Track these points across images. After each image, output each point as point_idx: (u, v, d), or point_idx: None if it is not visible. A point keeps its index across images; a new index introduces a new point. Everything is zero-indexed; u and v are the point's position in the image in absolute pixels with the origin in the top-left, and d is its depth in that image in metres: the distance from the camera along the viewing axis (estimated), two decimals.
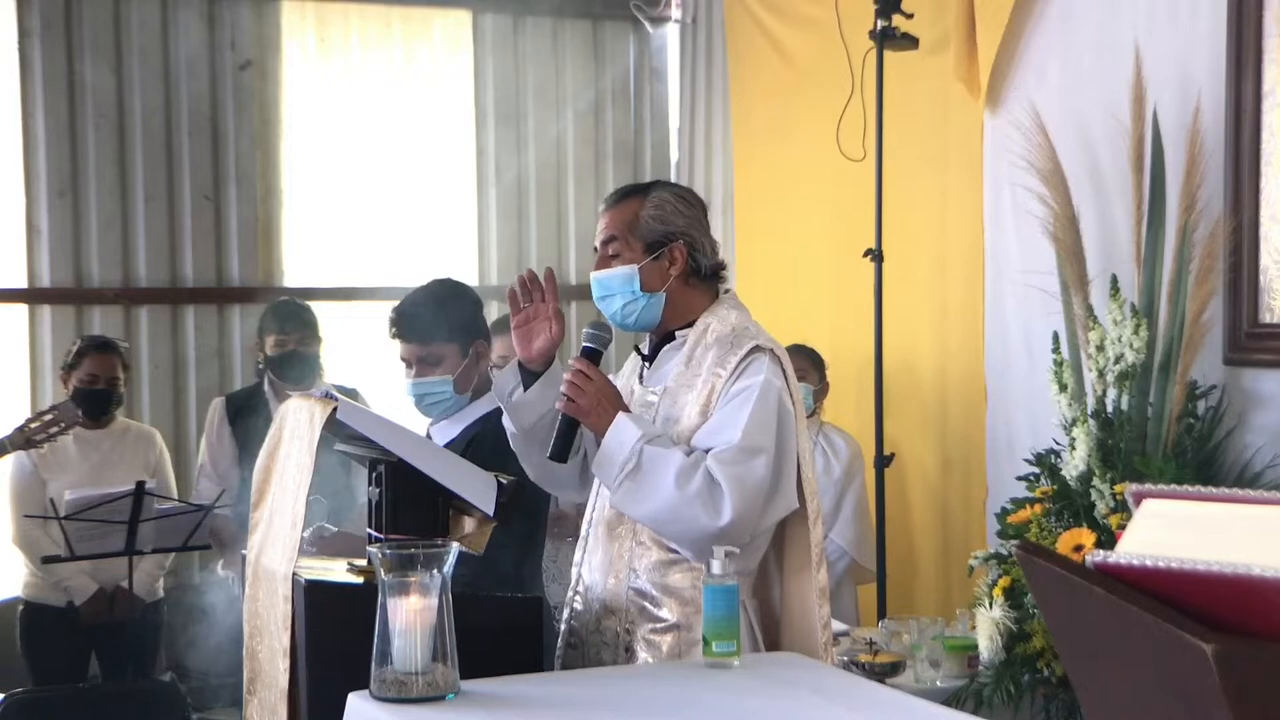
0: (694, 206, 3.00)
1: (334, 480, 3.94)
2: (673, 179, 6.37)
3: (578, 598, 3.00)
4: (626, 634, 2.88)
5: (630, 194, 3.02)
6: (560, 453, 2.89)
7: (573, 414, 2.85)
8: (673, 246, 2.93)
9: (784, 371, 2.86)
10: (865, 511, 4.87)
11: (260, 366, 5.26)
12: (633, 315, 2.95)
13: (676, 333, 2.97)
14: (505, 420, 3.02)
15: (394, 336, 3.59)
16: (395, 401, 4.99)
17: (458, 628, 2.30)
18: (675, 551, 2.86)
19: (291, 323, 5.14)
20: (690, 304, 2.96)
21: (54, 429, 4.59)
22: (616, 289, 2.94)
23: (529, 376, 2.95)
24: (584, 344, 2.94)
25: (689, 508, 2.72)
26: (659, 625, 2.86)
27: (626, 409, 2.86)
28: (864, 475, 4.90)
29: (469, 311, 3.61)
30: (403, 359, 3.58)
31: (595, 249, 3.02)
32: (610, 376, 3.09)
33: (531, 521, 3.45)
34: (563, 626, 3.05)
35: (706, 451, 2.77)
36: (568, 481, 3.08)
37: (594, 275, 2.99)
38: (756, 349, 2.84)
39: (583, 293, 6.53)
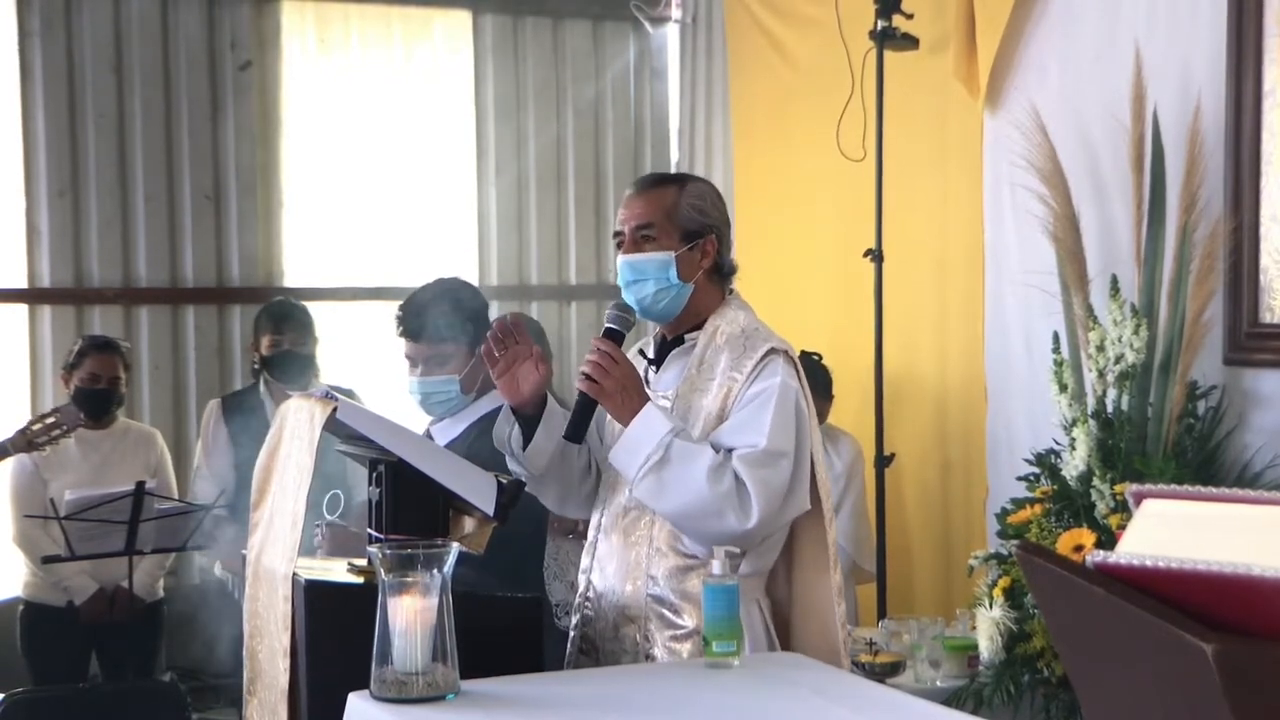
0: (723, 203, 3.01)
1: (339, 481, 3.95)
2: None
3: (588, 604, 2.97)
4: (645, 641, 2.85)
5: (666, 181, 3.00)
6: (577, 434, 2.85)
7: (595, 395, 2.80)
8: (706, 239, 2.92)
9: (797, 373, 2.85)
10: (864, 511, 4.87)
11: (255, 367, 5.26)
12: (663, 302, 2.89)
13: (685, 336, 2.95)
14: (513, 466, 2.98)
15: (401, 335, 3.56)
16: (393, 402, 5.01)
17: (458, 628, 2.30)
18: (692, 556, 2.83)
19: (286, 323, 5.15)
20: (706, 302, 2.94)
21: (55, 431, 4.59)
22: (651, 274, 2.88)
23: (525, 421, 2.92)
24: (607, 324, 2.88)
25: (717, 506, 2.69)
26: (678, 632, 2.83)
27: (649, 398, 2.83)
28: (863, 475, 4.90)
29: (477, 311, 3.60)
30: (408, 357, 3.56)
31: (619, 233, 2.95)
32: None
33: (533, 521, 3.45)
34: (573, 633, 3.03)
35: (729, 451, 2.75)
36: (586, 502, 3.05)
37: (626, 259, 2.91)
38: (772, 351, 2.83)
39: (582, 293, 6.56)
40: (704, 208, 2.93)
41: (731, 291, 3.01)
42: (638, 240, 2.90)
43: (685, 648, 2.82)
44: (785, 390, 2.78)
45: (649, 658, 2.85)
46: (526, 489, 2.95)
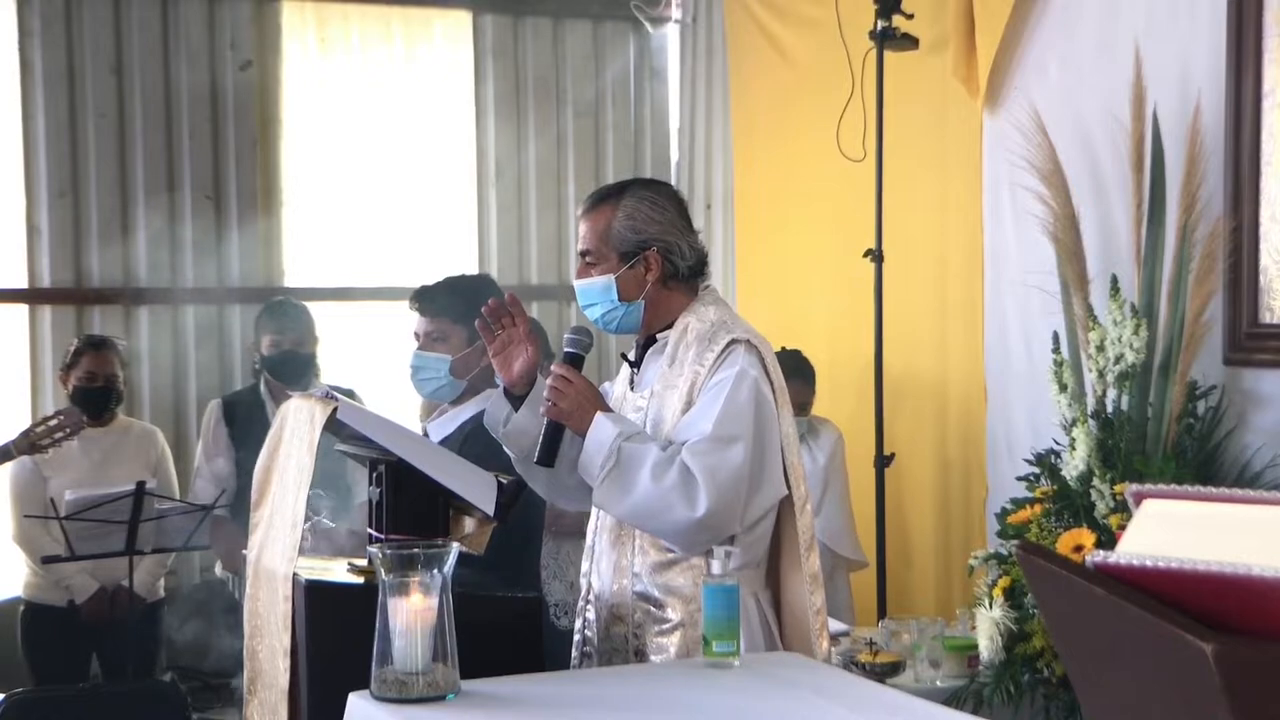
0: (668, 210, 2.98)
1: (334, 479, 3.97)
2: (672, 179, 6.37)
3: (589, 607, 3.01)
4: (635, 638, 2.88)
5: (604, 199, 3.01)
6: (546, 457, 2.90)
7: (555, 417, 2.87)
8: (647, 254, 2.93)
9: (762, 361, 2.87)
10: (846, 500, 4.86)
11: (256, 367, 5.26)
12: (614, 322, 2.98)
13: (658, 335, 2.99)
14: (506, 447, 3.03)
15: (411, 308, 3.71)
16: (393, 402, 5.01)
17: (458, 628, 2.30)
18: (671, 551, 2.87)
19: (286, 323, 5.15)
20: (670, 306, 2.98)
21: (59, 434, 4.58)
22: (596, 298, 2.97)
23: (516, 401, 2.96)
24: (565, 349, 2.97)
25: (665, 500, 2.74)
26: (665, 626, 2.86)
27: (607, 409, 2.88)
28: (844, 462, 4.90)
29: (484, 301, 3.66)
30: (414, 332, 3.70)
31: (578, 254, 3.04)
32: (607, 385, 3.11)
33: (530, 520, 3.45)
34: (576, 636, 3.05)
35: (683, 445, 2.79)
36: (578, 494, 3.07)
37: (575, 283, 3.02)
38: (733, 341, 2.86)
39: None
40: (638, 225, 2.94)
41: (707, 288, 3.03)
42: (584, 265, 2.99)
43: (673, 641, 2.85)
44: (741, 377, 2.81)
45: (638, 653, 2.87)
46: (521, 482, 2.98)
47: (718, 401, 2.79)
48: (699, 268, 3.00)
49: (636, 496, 2.76)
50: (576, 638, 3.05)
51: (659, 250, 2.93)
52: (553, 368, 2.92)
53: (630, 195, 2.98)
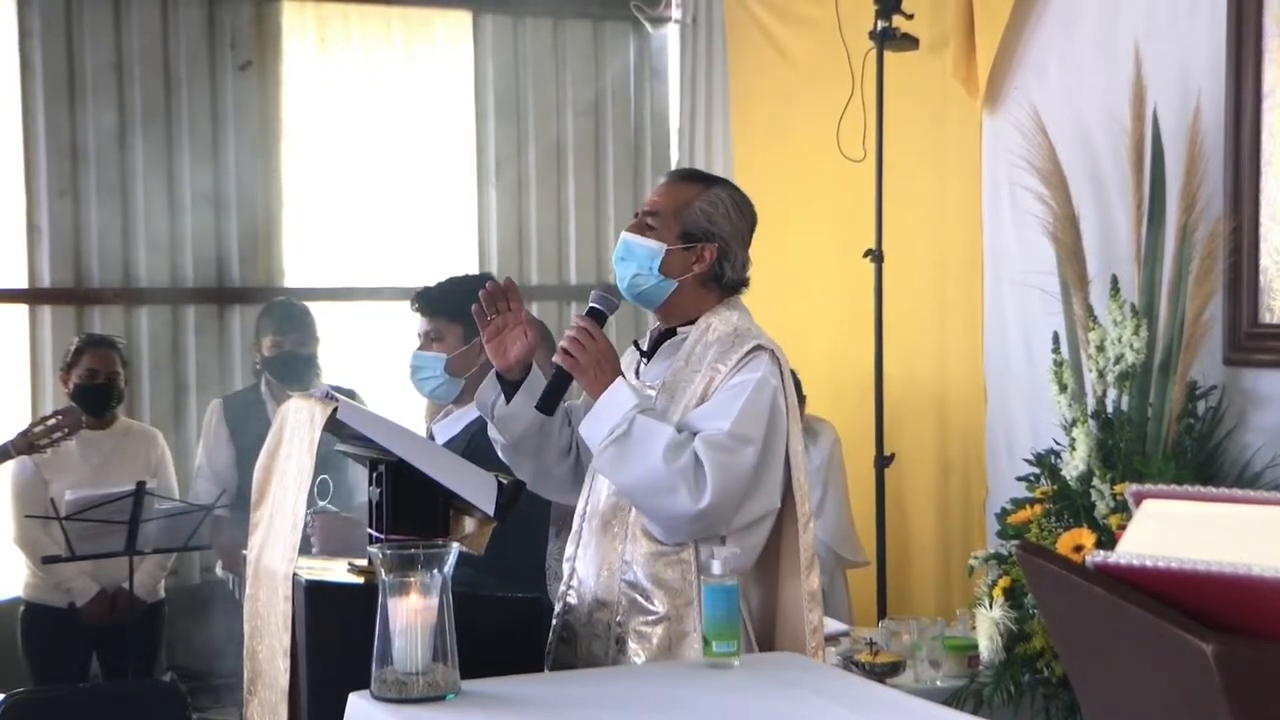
0: (745, 219, 3.02)
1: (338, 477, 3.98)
2: None
3: (571, 592, 3.00)
4: (618, 626, 2.88)
5: (694, 179, 3.07)
6: (548, 406, 2.88)
7: (570, 369, 2.84)
8: (706, 246, 2.94)
9: (781, 372, 2.87)
10: (846, 501, 4.86)
11: (257, 368, 5.27)
12: (640, 288, 2.96)
13: (678, 329, 2.98)
14: (492, 432, 3.02)
15: (412, 309, 3.73)
16: (393, 402, 5.01)
17: (458, 628, 2.30)
18: (665, 543, 2.86)
19: (288, 324, 5.15)
20: (699, 303, 2.98)
21: (58, 434, 4.58)
22: (637, 257, 2.95)
23: (509, 387, 2.95)
24: (591, 304, 2.94)
25: (671, 482, 2.72)
26: (650, 617, 2.86)
27: (624, 375, 2.86)
28: (843, 462, 4.89)
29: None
30: (417, 333, 3.71)
31: (636, 214, 3.02)
32: None
33: (533, 521, 3.45)
34: (555, 621, 3.04)
35: (695, 433, 2.78)
36: (563, 484, 3.07)
37: (624, 235, 2.99)
38: (758, 348, 2.86)
39: (580, 293, 6.55)
40: (714, 216, 2.96)
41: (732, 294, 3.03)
42: (642, 224, 2.97)
43: (656, 632, 2.85)
44: (763, 384, 2.81)
45: (619, 642, 2.87)
46: (521, 483, 2.97)
47: (738, 401, 2.79)
48: (738, 284, 3.01)
49: (644, 470, 2.74)
50: (555, 623, 3.03)
51: (718, 249, 2.95)
52: (575, 319, 2.89)
53: (721, 187, 3.03)
